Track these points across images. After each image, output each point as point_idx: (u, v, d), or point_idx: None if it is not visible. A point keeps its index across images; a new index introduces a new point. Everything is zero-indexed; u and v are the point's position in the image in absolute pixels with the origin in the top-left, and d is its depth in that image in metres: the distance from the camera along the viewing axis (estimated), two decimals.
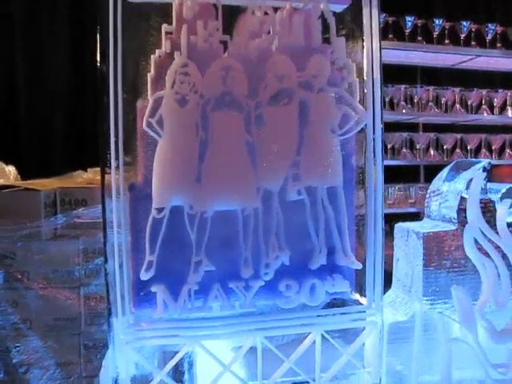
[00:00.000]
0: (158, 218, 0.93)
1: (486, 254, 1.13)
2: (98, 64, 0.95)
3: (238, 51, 0.98)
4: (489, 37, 3.93)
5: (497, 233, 1.14)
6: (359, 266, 1.02)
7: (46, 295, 2.40)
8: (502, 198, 1.13)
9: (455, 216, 1.11)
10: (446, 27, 3.84)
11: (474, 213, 1.10)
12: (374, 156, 1.04)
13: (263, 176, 0.97)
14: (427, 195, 1.21)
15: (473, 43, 3.92)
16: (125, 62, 0.96)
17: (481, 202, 1.11)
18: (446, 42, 3.86)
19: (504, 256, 1.15)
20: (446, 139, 3.95)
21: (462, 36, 3.88)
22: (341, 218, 1.01)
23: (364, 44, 1.05)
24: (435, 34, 3.80)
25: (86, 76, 3.51)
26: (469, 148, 4.01)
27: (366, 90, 1.04)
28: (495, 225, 1.13)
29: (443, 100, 3.92)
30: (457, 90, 3.94)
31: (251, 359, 1.05)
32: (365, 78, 1.04)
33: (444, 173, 1.21)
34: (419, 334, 1.10)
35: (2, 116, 3.59)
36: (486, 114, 4.04)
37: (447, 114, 3.97)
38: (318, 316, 1.02)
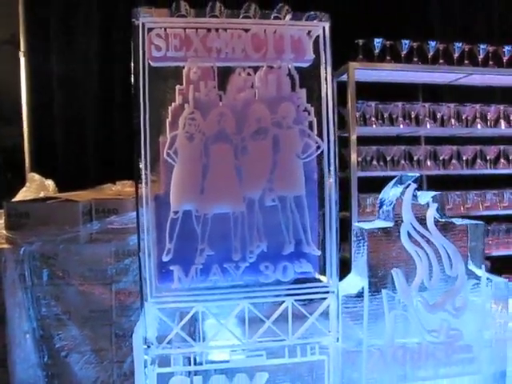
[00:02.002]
0: (175, 218, 1.35)
1: (419, 245, 1.51)
2: (133, 113, 1.38)
3: (229, 102, 1.40)
4: (481, 56, 4.25)
5: (427, 229, 1.52)
6: (318, 253, 1.42)
7: (83, 291, 2.69)
8: (429, 203, 1.51)
9: (393, 216, 1.50)
10: (440, 48, 4.17)
11: (407, 213, 1.49)
12: (329, 172, 1.44)
13: (247, 189, 1.38)
14: (378, 201, 1.60)
15: (466, 62, 4.24)
16: (151, 110, 1.38)
17: (412, 205, 1.50)
18: (441, 61, 4.19)
19: (433, 246, 1.52)
20: (443, 151, 4.26)
21: (456, 55, 4.21)
22: (305, 218, 1.41)
23: (321, 92, 1.45)
24: (430, 54, 4.14)
25: (116, 99, 3.89)
26: (464, 159, 4.32)
27: (323, 125, 1.44)
28: (425, 222, 1.51)
29: (439, 115, 4.25)
30: (452, 105, 4.26)
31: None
32: (322, 116, 1.44)
33: (391, 183, 1.59)
34: (367, 306, 1.48)
35: (40, 137, 3.99)
36: (480, 127, 4.35)
37: (443, 127, 4.28)
38: (289, 289, 1.42)
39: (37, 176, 3.31)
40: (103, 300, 2.78)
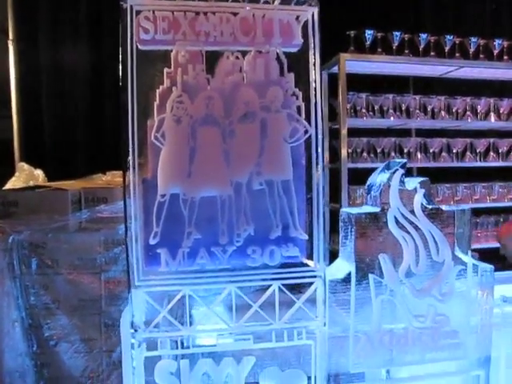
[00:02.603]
0: (162, 201, 1.35)
1: (406, 231, 1.52)
2: (120, 95, 1.37)
3: (217, 85, 1.40)
4: (472, 49, 4.26)
5: (414, 215, 1.53)
6: (305, 237, 1.43)
7: (72, 279, 2.69)
8: (416, 189, 1.52)
9: (380, 201, 1.50)
10: (432, 40, 4.18)
11: (394, 198, 1.50)
12: (317, 157, 1.44)
13: (234, 172, 1.38)
14: (366, 187, 1.60)
15: (457, 55, 4.25)
16: (138, 93, 1.37)
17: (400, 191, 1.51)
18: (432, 54, 4.20)
19: (420, 231, 1.53)
20: (433, 143, 4.28)
21: (447, 48, 4.21)
22: (292, 202, 1.41)
23: (309, 77, 1.45)
24: (421, 47, 4.14)
25: (106, 92, 3.88)
26: (454, 151, 4.34)
27: (310, 110, 1.44)
28: (412, 208, 1.52)
29: (429, 107, 4.26)
30: (442, 97, 4.27)
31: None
32: (311, 101, 1.44)
33: (379, 169, 1.60)
34: (354, 291, 1.48)
35: (30, 126, 3.98)
36: (470, 120, 4.37)
37: (434, 120, 4.29)
38: (276, 273, 1.43)
39: (26, 166, 3.30)
40: (92, 289, 2.78)
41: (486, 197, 4.37)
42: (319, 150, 1.43)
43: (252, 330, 1.45)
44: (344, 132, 3.89)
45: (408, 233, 1.51)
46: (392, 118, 4.15)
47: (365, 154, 4.11)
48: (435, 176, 4.38)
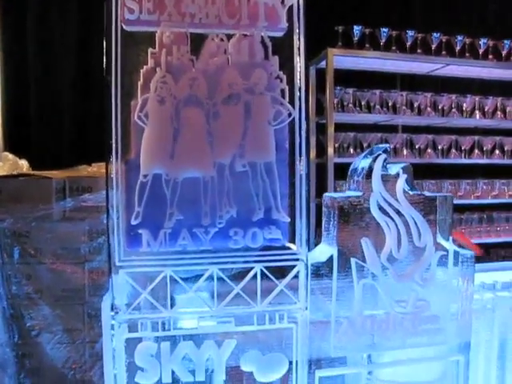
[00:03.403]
0: (144, 181, 1.34)
1: (388, 215, 1.53)
2: (104, 75, 1.36)
3: (201, 67, 1.39)
4: (458, 47, 4.31)
5: (396, 199, 1.54)
6: (288, 220, 1.43)
7: (56, 269, 2.67)
8: (399, 174, 1.53)
9: (363, 186, 1.51)
10: (419, 38, 4.22)
11: (376, 183, 1.50)
12: (300, 141, 1.44)
13: (218, 153, 1.38)
14: (349, 172, 1.61)
15: (443, 53, 4.29)
16: (123, 73, 1.37)
17: (382, 176, 1.51)
18: (419, 51, 4.24)
19: (402, 216, 1.54)
20: (419, 140, 4.32)
21: (434, 46, 4.26)
22: (275, 185, 1.41)
23: (294, 61, 1.45)
24: (408, 44, 4.18)
25: (91, 81, 3.85)
26: (440, 148, 4.38)
27: (294, 94, 1.44)
28: (394, 193, 1.53)
29: (416, 104, 4.30)
30: (428, 94, 4.32)
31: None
32: (295, 84, 1.45)
33: (362, 155, 1.60)
34: (336, 274, 1.49)
35: (14, 116, 3.94)
36: (455, 117, 4.42)
37: (420, 116, 4.34)
38: (258, 255, 1.43)
39: (10, 155, 3.27)
40: (76, 279, 2.76)
41: (470, 193, 4.42)
42: (303, 133, 1.44)
43: (234, 312, 1.44)
44: (331, 127, 3.91)
45: (390, 218, 1.51)
46: (379, 114, 4.17)
47: (351, 149, 4.14)
48: (420, 172, 4.43)
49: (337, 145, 4.02)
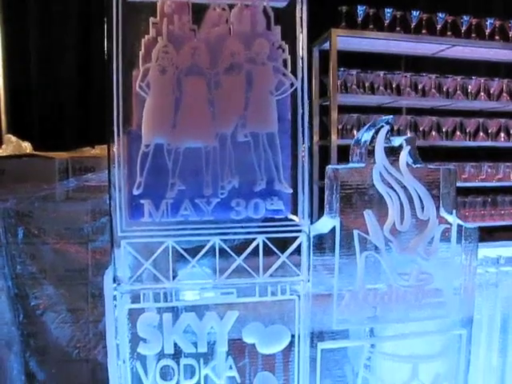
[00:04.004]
0: (146, 151, 1.34)
1: (391, 187, 1.52)
2: (106, 44, 1.35)
3: (203, 36, 1.38)
4: (463, 27, 4.26)
5: (399, 171, 1.53)
6: (290, 191, 1.42)
7: (59, 249, 2.68)
8: (402, 145, 1.52)
9: (366, 157, 1.50)
10: (424, 18, 4.17)
11: (380, 154, 1.49)
12: (303, 112, 1.43)
13: (219, 123, 1.37)
14: (352, 144, 1.60)
15: (449, 33, 4.24)
16: (124, 43, 1.36)
17: (386, 148, 1.50)
18: (424, 32, 4.19)
19: (405, 189, 1.53)
20: (423, 122, 4.29)
21: (439, 27, 4.21)
22: (277, 156, 1.41)
23: (296, 32, 1.43)
24: (413, 24, 4.13)
25: (96, 65, 3.83)
26: (444, 130, 4.35)
27: (297, 64, 1.43)
28: (397, 164, 1.52)
29: (420, 86, 4.26)
30: (433, 76, 4.27)
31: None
32: (297, 55, 1.43)
33: (365, 127, 1.59)
34: (338, 245, 1.48)
35: (17, 99, 3.92)
36: (460, 99, 4.38)
37: (424, 98, 4.30)
38: (260, 226, 1.42)
39: (13, 138, 3.26)
40: (79, 259, 2.77)
41: (475, 176, 4.39)
42: (305, 104, 1.42)
43: (235, 284, 1.44)
44: (334, 108, 3.89)
45: (393, 189, 1.51)
46: (383, 96, 4.14)
47: (355, 131, 4.11)
48: (425, 154, 4.37)
49: (340, 126, 4.00)
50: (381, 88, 4.14)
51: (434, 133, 4.33)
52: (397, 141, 1.51)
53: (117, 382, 1.47)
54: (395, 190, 1.51)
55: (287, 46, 1.42)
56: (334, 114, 3.88)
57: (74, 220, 2.76)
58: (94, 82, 3.81)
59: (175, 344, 1.44)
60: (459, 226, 1.58)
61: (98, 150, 3.13)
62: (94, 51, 3.86)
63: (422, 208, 1.53)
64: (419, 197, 1.52)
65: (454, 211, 1.58)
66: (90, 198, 2.78)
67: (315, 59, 4.12)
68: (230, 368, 1.49)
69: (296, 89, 1.42)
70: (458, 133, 4.39)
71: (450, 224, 1.57)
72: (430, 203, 1.53)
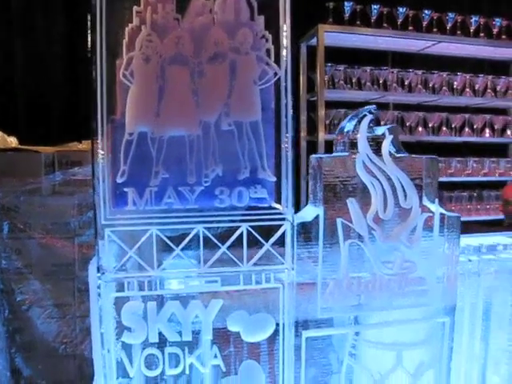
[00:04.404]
0: (130, 139, 1.34)
1: (374, 176, 1.53)
2: (89, 33, 1.35)
3: (187, 25, 1.39)
4: (449, 24, 4.30)
5: (382, 160, 1.54)
6: (274, 179, 1.43)
7: (45, 244, 2.68)
8: (385, 134, 1.53)
9: (350, 147, 1.52)
10: (410, 15, 4.21)
11: (363, 143, 1.51)
12: (286, 102, 1.44)
13: (203, 112, 1.38)
14: (336, 134, 1.61)
15: (435, 30, 4.28)
16: (108, 32, 1.36)
17: (369, 137, 1.52)
18: (410, 28, 4.22)
19: (388, 178, 1.54)
20: (410, 117, 4.32)
21: (425, 23, 4.24)
22: (261, 144, 1.42)
23: (279, 21, 1.44)
24: (399, 21, 4.16)
25: (81, 57, 3.80)
26: (430, 126, 4.39)
27: (280, 54, 1.44)
28: (380, 154, 1.53)
29: (407, 81, 4.29)
30: (419, 72, 4.31)
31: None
32: (280, 45, 1.44)
33: (349, 117, 1.60)
34: (322, 233, 1.50)
35: (3, 93, 3.87)
36: (446, 95, 4.41)
37: (411, 94, 4.33)
38: (244, 215, 1.43)
39: None
40: (66, 253, 2.77)
41: (461, 171, 4.43)
42: (289, 94, 1.43)
43: (220, 272, 1.45)
44: (321, 104, 3.90)
45: (376, 178, 1.52)
46: (370, 91, 4.17)
47: None
48: (411, 149, 4.41)
49: (327, 122, 4.01)
50: (368, 84, 4.17)
51: (420, 128, 4.36)
52: (379, 130, 1.53)
53: (101, 371, 1.47)
54: (378, 179, 1.53)
55: (271, 36, 1.43)
56: (322, 110, 3.90)
57: (60, 214, 2.75)
58: (81, 75, 3.78)
59: (160, 333, 1.44)
60: (441, 214, 1.60)
61: (85, 145, 3.13)
62: (80, 43, 3.84)
63: (405, 197, 1.54)
64: (402, 186, 1.54)
65: (437, 200, 1.60)
66: (76, 192, 2.78)
67: (303, 55, 4.14)
68: (215, 357, 1.50)
69: (279, 78, 1.43)
70: (444, 128, 4.43)
71: (433, 213, 1.59)
72: (413, 192, 1.54)
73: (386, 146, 1.52)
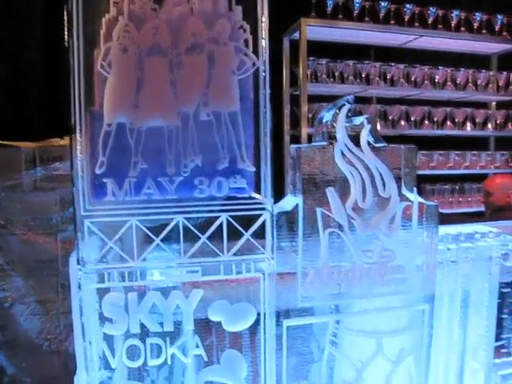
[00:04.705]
0: (108, 130, 1.34)
1: (353, 165, 1.55)
2: (66, 24, 1.35)
3: (164, 16, 1.39)
4: (430, 19, 4.33)
5: (361, 150, 1.56)
6: (253, 169, 1.44)
7: (27, 240, 2.67)
8: (363, 123, 1.55)
9: (328, 136, 1.53)
10: (392, 9, 4.23)
11: (341, 132, 1.52)
12: (265, 91, 1.45)
13: (182, 102, 1.38)
14: (315, 124, 1.62)
15: (416, 24, 4.31)
16: (85, 23, 1.36)
17: (347, 127, 1.53)
18: (392, 22, 4.25)
19: (367, 167, 1.56)
20: (392, 111, 4.35)
21: (406, 17, 4.27)
22: (240, 134, 1.42)
23: (257, 11, 1.45)
24: (381, 14, 4.19)
25: (62, 47, 3.75)
26: (412, 119, 4.42)
27: (258, 44, 1.44)
28: (358, 144, 1.55)
29: (389, 75, 4.32)
30: (401, 66, 4.34)
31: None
32: (258, 35, 1.45)
33: (328, 107, 1.61)
34: (302, 221, 1.51)
35: None
36: (428, 89, 4.45)
37: (393, 87, 4.36)
38: (224, 205, 1.44)
39: None
40: (48, 250, 2.75)
41: (443, 164, 4.48)
42: (267, 84, 1.44)
43: (200, 262, 1.46)
44: (304, 98, 3.92)
45: (355, 167, 1.53)
46: (352, 85, 4.19)
47: None
48: (393, 143, 4.43)
49: (310, 116, 4.03)
50: (350, 77, 4.19)
51: (402, 122, 4.40)
52: (358, 119, 1.54)
53: (83, 363, 1.47)
54: (357, 168, 1.54)
55: (249, 26, 1.43)
56: (304, 104, 3.91)
57: (42, 210, 2.74)
58: (62, 70, 3.74)
59: (141, 324, 1.45)
60: (420, 203, 1.62)
61: (67, 141, 3.10)
62: (62, 32, 3.79)
63: (384, 186, 1.56)
64: (381, 175, 1.55)
65: (415, 189, 1.62)
66: (58, 188, 2.77)
67: (285, 49, 4.15)
68: (197, 346, 1.50)
69: (258, 69, 1.43)
70: (426, 122, 4.47)
71: (411, 202, 1.60)
72: (392, 181, 1.56)
73: (364, 135, 1.54)
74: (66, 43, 1.37)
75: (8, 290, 2.72)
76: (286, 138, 4.14)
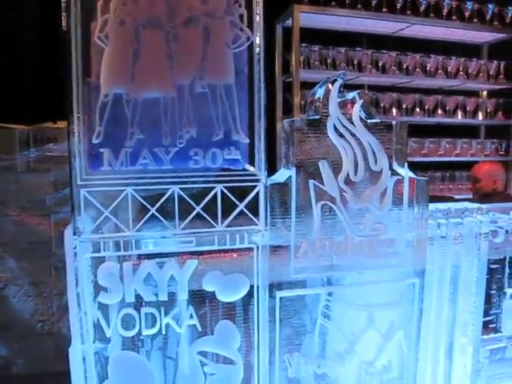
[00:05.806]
0: (105, 101, 1.36)
1: (345, 139, 1.57)
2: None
3: None
4: (422, 7, 4.36)
5: (353, 124, 1.58)
6: (247, 141, 1.46)
7: (21, 221, 2.67)
8: (355, 98, 1.57)
9: (321, 110, 1.55)
10: None
11: (333, 106, 1.55)
12: (259, 66, 1.47)
13: (177, 75, 1.40)
14: (308, 99, 1.64)
15: (408, 12, 4.33)
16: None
17: (340, 102, 1.56)
18: (384, 10, 4.27)
19: (359, 141, 1.59)
20: (384, 98, 4.38)
21: (399, 5, 4.29)
22: (234, 107, 1.45)
23: None
24: (373, 2, 4.20)
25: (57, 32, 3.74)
26: (404, 107, 4.46)
27: (253, 19, 1.47)
28: (351, 118, 1.57)
29: (381, 63, 4.35)
30: (393, 53, 4.37)
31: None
32: (253, 10, 1.47)
33: (321, 82, 1.64)
34: (295, 193, 1.54)
35: None
36: (420, 77, 4.49)
37: (385, 75, 4.39)
38: (218, 176, 1.46)
39: None
40: (42, 231, 2.76)
41: (434, 152, 4.52)
42: (261, 58, 1.47)
43: (195, 233, 1.48)
44: (297, 84, 3.93)
45: (347, 141, 1.56)
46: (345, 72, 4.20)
47: None
48: None
49: (303, 102, 4.05)
50: (342, 64, 4.21)
51: (394, 109, 4.43)
52: (350, 94, 1.57)
53: (78, 333, 1.49)
54: (349, 142, 1.57)
55: (244, 0, 1.45)
56: (297, 90, 3.93)
57: (36, 191, 2.74)
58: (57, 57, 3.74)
59: (136, 294, 1.47)
60: (411, 178, 1.65)
61: (61, 125, 3.10)
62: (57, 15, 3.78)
63: (375, 160, 1.59)
64: (372, 149, 1.58)
65: (406, 164, 1.65)
66: (52, 169, 2.76)
67: (278, 36, 4.16)
68: (191, 317, 1.53)
69: (252, 43, 1.46)
70: (418, 109, 4.51)
71: (402, 176, 1.63)
72: (383, 155, 1.59)
73: (356, 110, 1.56)
74: (62, 17, 1.38)
75: (1, 272, 2.73)
76: (279, 124, 4.15)
